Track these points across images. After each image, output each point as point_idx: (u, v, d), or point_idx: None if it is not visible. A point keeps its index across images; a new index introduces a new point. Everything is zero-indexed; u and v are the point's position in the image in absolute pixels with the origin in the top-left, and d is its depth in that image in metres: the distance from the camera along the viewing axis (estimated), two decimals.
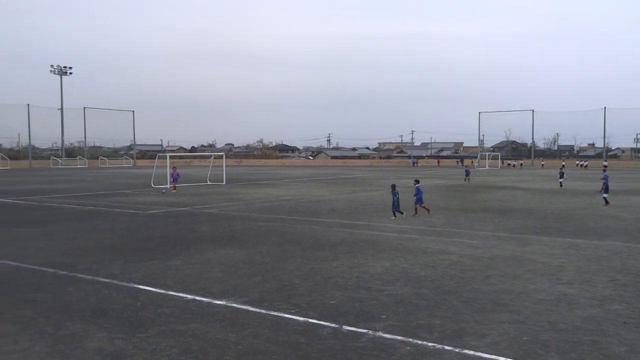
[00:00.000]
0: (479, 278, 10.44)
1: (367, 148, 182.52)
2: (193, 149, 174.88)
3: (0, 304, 8.75)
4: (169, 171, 37.08)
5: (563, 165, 61.38)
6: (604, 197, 24.60)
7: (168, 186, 34.87)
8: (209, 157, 62.41)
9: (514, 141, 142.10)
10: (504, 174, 62.12)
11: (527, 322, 7.72)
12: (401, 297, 9.05)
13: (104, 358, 6.43)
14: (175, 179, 33.98)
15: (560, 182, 36.45)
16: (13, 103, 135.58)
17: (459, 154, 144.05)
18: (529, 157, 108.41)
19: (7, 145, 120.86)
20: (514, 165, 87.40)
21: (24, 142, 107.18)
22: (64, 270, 11.19)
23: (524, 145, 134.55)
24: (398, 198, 19.71)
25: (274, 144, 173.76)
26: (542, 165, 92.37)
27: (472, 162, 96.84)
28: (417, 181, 21.40)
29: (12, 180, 46.99)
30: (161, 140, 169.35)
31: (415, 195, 20.58)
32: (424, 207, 20.51)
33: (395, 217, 19.51)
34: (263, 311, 8.29)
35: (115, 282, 10.18)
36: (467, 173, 45.18)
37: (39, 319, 7.96)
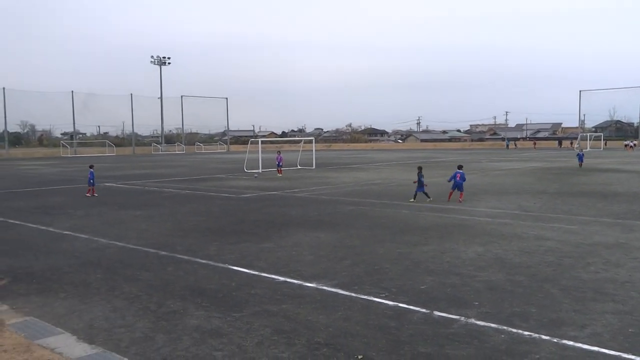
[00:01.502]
0: (579, 265, 9.92)
1: (458, 130, 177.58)
2: (283, 134, 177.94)
3: (110, 281, 9.41)
4: (260, 156, 38.07)
5: None
6: None
7: (260, 171, 35.81)
8: (299, 141, 63.36)
9: (618, 121, 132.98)
10: (607, 155, 58.43)
11: (633, 313, 7.26)
12: (495, 284, 8.79)
13: (202, 335, 6.74)
14: (279, 162, 34.86)
15: None
16: (118, 94, 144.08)
17: (556, 135, 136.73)
18: (635, 137, 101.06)
19: (112, 133, 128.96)
20: (632, 147, 79.16)
21: (128, 130, 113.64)
22: (165, 250, 11.83)
23: (630, 125, 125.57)
24: (420, 181, 19.45)
25: (362, 128, 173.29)
26: (635, 145, 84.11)
27: (572, 144, 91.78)
28: (459, 166, 19.98)
29: (118, 166, 50.12)
30: (253, 126, 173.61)
31: (450, 180, 19.71)
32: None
33: (415, 199, 19.45)
34: (353, 294, 8.35)
35: (211, 263, 10.63)
36: (580, 158, 37.98)
37: (143, 296, 8.48)
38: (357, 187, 25.81)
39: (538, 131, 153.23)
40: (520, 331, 6.67)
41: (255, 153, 41.52)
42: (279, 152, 36.39)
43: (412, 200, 19.47)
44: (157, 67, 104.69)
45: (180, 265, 10.46)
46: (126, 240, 13.09)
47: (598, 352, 6.01)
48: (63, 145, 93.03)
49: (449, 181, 19.71)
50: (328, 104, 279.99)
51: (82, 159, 69.50)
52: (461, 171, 19.47)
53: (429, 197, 19.46)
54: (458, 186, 19.25)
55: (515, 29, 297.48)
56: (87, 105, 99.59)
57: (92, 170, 23.87)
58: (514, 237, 12.65)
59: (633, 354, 5.93)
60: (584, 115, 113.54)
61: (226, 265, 10.38)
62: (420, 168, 20.23)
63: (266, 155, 43.28)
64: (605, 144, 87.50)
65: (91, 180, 23.53)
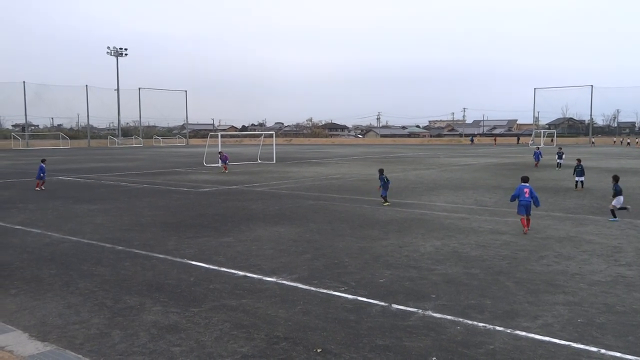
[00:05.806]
0: (532, 258, 10.21)
1: (418, 126, 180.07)
2: (244, 128, 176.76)
3: (65, 277, 9.17)
4: (220, 150, 37.67)
5: (560, 147, 52.83)
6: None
7: (219, 165, 35.47)
8: (259, 135, 63.05)
9: (570, 118, 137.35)
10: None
11: (582, 304, 7.52)
12: (452, 277, 8.96)
13: (160, 331, 6.65)
14: (224, 160, 34.47)
15: (559, 163, 33.56)
16: (73, 85, 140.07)
17: (513, 132, 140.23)
18: (586, 134, 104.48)
19: (67, 125, 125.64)
20: (628, 143, 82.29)
21: (83, 122, 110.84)
22: (122, 245, 11.60)
23: (582, 122, 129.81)
24: (384, 183, 17.55)
25: (323, 123, 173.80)
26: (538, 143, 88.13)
27: (527, 140, 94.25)
28: (524, 179, 13.56)
29: (73, 159, 48.81)
30: (213, 120, 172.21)
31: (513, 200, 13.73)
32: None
33: (388, 202, 17.52)
34: (313, 288, 8.38)
35: (169, 257, 10.49)
36: (537, 156, 35.57)
37: (99, 292, 8.30)
38: (317, 181, 25.85)
39: (494, 127, 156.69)
40: (475, 323, 6.83)
41: (215, 147, 41.09)
42: (220, 152, 35.43)
43: (387, 204, 17.31)
44: (114, 58, 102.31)
45: (138, 260, 10.28)
46: (81, 235, 12.78)
47: (549, 342, 6.20)
48: (14, 138, 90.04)
49: (512, 201, 13.64)
50: (289, 99, 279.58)
51: (34, 152, 67.39)
52: (529, 185, 13.33)
53: (387, 202, 17.48)
54: (527, 207, 12.99)
55: (474, 25, 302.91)
56: (39, 96, 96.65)
57: (43, 164, 23.28)
58: (470, 231, 12.91)
59: (582, 344, 6.14)
60: (538, 112, 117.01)
61: (184, 260, 10.26)
62: (381, 171, 18.13)
63: (227, 149, 42.87)
64: (551, 141, 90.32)
65: (41, 174, 22.96)
